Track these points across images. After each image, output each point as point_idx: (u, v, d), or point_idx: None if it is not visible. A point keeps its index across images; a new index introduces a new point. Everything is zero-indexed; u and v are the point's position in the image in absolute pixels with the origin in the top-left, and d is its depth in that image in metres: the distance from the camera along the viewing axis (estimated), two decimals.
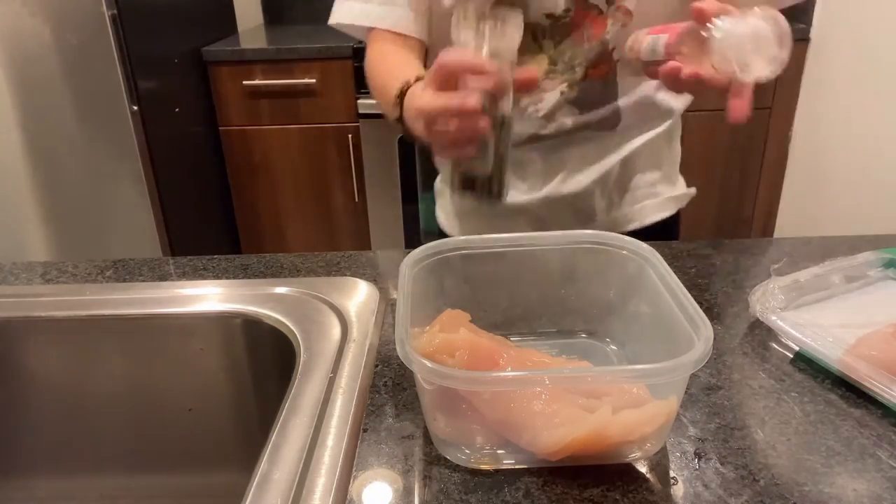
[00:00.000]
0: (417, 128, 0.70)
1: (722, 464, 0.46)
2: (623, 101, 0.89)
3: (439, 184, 1.06)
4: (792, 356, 0.56)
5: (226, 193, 2.16)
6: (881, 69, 1.63)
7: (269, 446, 0.47)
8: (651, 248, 0.55)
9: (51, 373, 0.69)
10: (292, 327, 0.61)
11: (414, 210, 2.06)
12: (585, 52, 0.84)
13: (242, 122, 2.04)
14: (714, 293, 0.66)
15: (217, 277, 0.72)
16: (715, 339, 0.43)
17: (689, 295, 0.48)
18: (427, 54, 0.95)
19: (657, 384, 0.46)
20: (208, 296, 0.68)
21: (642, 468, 0.46)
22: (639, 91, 0.90)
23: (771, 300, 0.59)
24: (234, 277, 0.71)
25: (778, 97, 2.00)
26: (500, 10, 0.65)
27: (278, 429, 0.49)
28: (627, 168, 0.93)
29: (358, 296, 0.66)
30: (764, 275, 0.63)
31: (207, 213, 2.11)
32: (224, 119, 2.05)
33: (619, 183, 0.93)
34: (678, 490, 0.44)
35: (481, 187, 0.61)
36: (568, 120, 0.88)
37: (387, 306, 0.65)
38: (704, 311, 0.47)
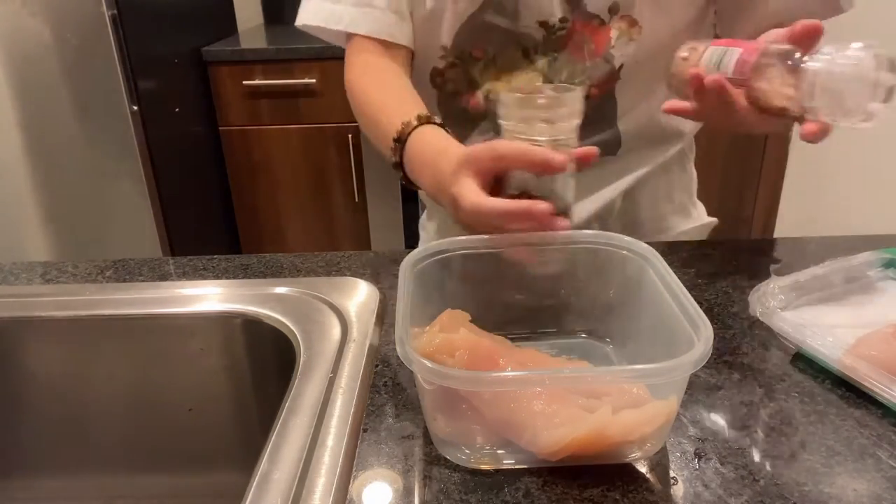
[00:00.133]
0: (425, 183, 0.64)
1: (722, 464, 0.46)
2: (623, 124, 0.80)
3: (425, 220, 0.98)
4: (792, 356, 0.56)
5: (226, 193, 2.16)
6: None
7: (269, 446, 0.47)
8: (651, 248, 0.55)
9: (51, 373, 0.69)
10: (292, 327, 0.61)
11: (414, 210, 2.06)
12: (587, 69, 0.76)
13: (242, 122, 2.04)
14: (714, 293, 0.66)
15: (217, 277, 0.72)
16: (715, 339, 0.43)
17: (689, 295, 0.48)
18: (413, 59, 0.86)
19: (657, 384, 0.46)
20: (208, 296, 0.68)
21: (642, 468, 0.46)
22: (640, 110, 0.80)
23: (771, 300, 0.59)
24: (234, 277, 0.71)
25: None
26: (554, 91, 0.58)
27: (278, 429, 0.49)
28: (631, 200, 0.84)
29: (358, 296, 0.66)
30: (764, 275, 0.63)
31: (207, 213, 2.11)
32: (224, 119, 2.05)
33: (621, 217, 0.84)
34: (678, 490, 0.44)
35: None
36: None
37: (387, 306, 0.65)
38: (704, 311, 0.47)
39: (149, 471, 0.72)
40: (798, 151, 2.06)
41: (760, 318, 0.58)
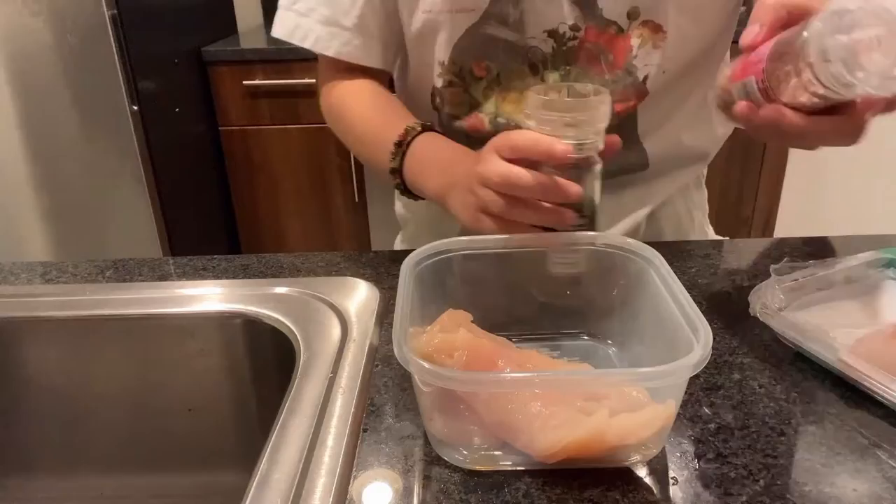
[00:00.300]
0: (432, 185, 0.63)
1: (722, 464, 0.46)
2: (650, 145, 0.75)
3: (401, 210, 0.92)
4: (792, 356, 0.56)
5: (226, 193, 2.16)
6: None
7: (269, 446, 0.47)
8: (653, 249, 0.55)
9: (51, 373, 0.69)
10: (292, 327, 0.61)
11: None
12: (608, 83, 0.70)
13: (242, 122, 2.04)
14: (714, 293, 0.66)
15: (217, 277, 0.72)
16: (715, 339, 0.43)
17: (689, 297, 0.48)
18: (404, 81, 0.81)
19: (656, 387, 0.46)
20: (208, 296, 0.68)
21: (642, 469, 0.46)
22: (666, 131, 0.75)
23: (771, 300, 0.59)
24: (234, 277, 0.71)
25: None
26: (582, 93, 0.56)
27: (278, 429, 0.49)
28: (655, 221, 0.81)
29: (358, 296, 0.66)
30: (764, 275, 0.63)
31: (207, 213, 2.11)
32: (224, 119, 2.05)
33: (645, 239, 0.77)
34: (678, 490, 0.44)
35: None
36: None
37: (387, 306, 0.65)
38: (704, 310, 0.47)
39: (149, 471, 0.72)
40: (798, 151, 2.06)
41: (760, 318, 0.58)
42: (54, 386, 0.70)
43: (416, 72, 0.78)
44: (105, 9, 1.58)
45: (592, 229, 0.59)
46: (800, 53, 0.45)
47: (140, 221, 1.79)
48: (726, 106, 0.54)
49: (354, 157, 2.03)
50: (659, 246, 0.56)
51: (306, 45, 0.75)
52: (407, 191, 0.69)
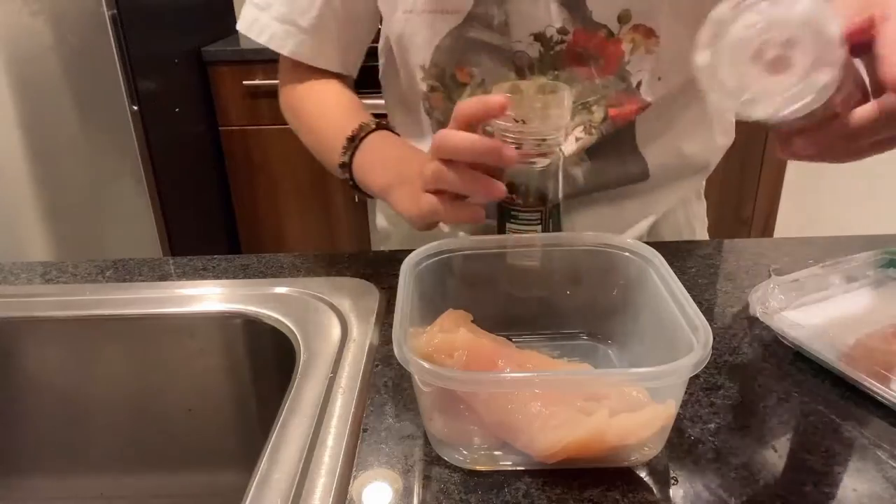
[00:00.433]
0: (379, 181, 0.62)
1: (722, 464, 0.46)
2: (650, 156, 0.73)
3: (383, 222, 0.91)
4: (792, 356, 0.56)
5: (226, 193, 2.16)
6: None
7: (269, 446, 0.47)
8: (653, 249, 0.55)
9: (50, 373, 0.69)
10: (292, 327, 0.61)
11: None
12: (599, 88, 0.67)
13: (242, 122, 2.04)
14: (714, 293, 0.66)
15: (217, 277, 0.72)
16: (715, 339, 0.43)
17: (689, 298, 0.48)
18: (394, 85, 0.79)
19: (656, 387, 0.46)
20: (208, 296, 0.68)
21: (642, 468, 0.46)
22: (666, 141, 0.73)
23: (771, 300, 0.59)
24: (234, 277, 0.71)
25: None
26: (542, 91, 0.56)
27: (278, 429, 0.49)
28: (656, 233, 0.79)
29: (358, 296, 0.66)
30: (764, 275, 0.63)
31: (207, 213, 2.11)
32: (224, 119, 2.05)
33: None
34: (678, 490, 0.44)
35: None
36: (578, 173, 0.72)
37: (387, 306, 0.65)
38: (704, 311, 0.47)
39: (149, 471, 0.72)
40: None
41: (760, 318, 0.58)
42: (54, 386, 0.70)
43: (404, 76, 0.76)
44: (105, 9, 1.58)
45: (558, 229, 0.60)
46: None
47: (140, 221, 1.79)
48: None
49: None
50: (659, 246, 0.56)
51: (262, 40, 0.74)
52: (356, 186, 0.69)
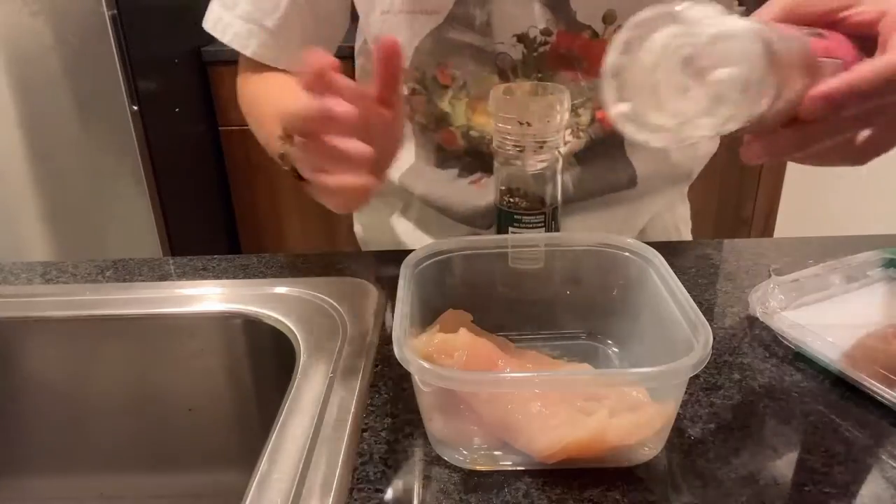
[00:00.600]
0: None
1: (722, 464, 0.46)
2: (637, 163, 0.72)
3: (360, 231, 0.89)
4: (792, 356, 0.56)
5: (226, 193, 2.16)
6: None
7: (269, 446, 0.47)
8: (653, 249, 0.55)
9: (50, 373, 0.69)
10: (292, 327, 0.61)
11: None
12: (585, 91, 0.66)
13: (242, 122, 2.03)
14: (714, 293, 0.66)
15: (217, 277, 0.72)
16: (715, 339, 0.43)
17: (689, 297, 0.48)
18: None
19: (656, 387, 0.46)
20: (208, 296, 0.68)
21: (642, 468, 0.46)
22: (651, 147, 0.74)
23: (771, 300, 0.59)
24: (234, 277, 0.71)
25: None
26: (542, 92, 0.55)
27: (278, 429, 0.49)
28: (644, 238, 0.75)
29: (358, 296, 0.66)
30: (764, 275, 0.63)
31: (207, 213, 2.11)
32: (224, 119, 2.05)
33: None
34: (678, 490, 0.44)
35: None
36: (567, 179, 0.70)
37: (387, 306, 0.65)
38: (704, 311, 0.47)
39: (149, 471, 0.72)
40: None
41: (760, 318, 0.58)
42: (54, 386, 0.70)
43: None
44: (105, 9, 1.58)
45: (557, 230, 0.60)
46: None
47: (140, 221, 1.79)
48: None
49: None
50: (659, 246, 0.56)
51: (225, 39, 0.71)
52: (298, 177, 0.60)
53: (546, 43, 0.63)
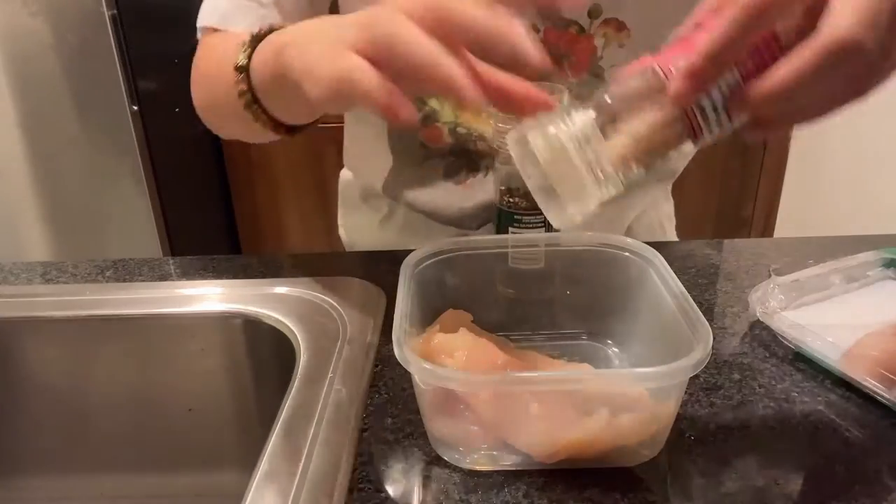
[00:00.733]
0: (286, 48, 0.44)
1: (722, 464, 0.46)
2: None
3: (345, 235, 0.87)
4: (792, 356, 0.56)
5: (226, 193, 2.15)
6: None
7: (269, 446, 0.47)
8: (653, 249, 0.55)
9: (50, 373, 0.69)
10: (292, 327, 0.61)
11: None
12: (573, 87, 0.65)
13: None
14: (714, 293, 0.66)
15: (217, 277, 0.72)
16: (715, 339, 0.43)
17: (689, 298, 0.48)
18: None
19: (656, 387, 0.46)
20: (208, 296, 0.68)
21: (642, 468, 0.46)
22: None
23: (771, 300, 0.59)
24: (234, 277, 0.71)
25: None
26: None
27: (278, 429, 0.49)
28: (630, 236, 0.79)
29: (358, 296, 0.66)
30: (764, 275, 0.63)
31: (207, 213, 2.11)
32: None
33: None
34: (678, 490, 0.44)
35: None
36: None
37: (387, 306, 0.65)
38: (704, 311, 0.47)
39: (149, 471, 0.72)
40: (798, 152, 2.06)
41: (760, 318, 0.58)
42: (54, 386, 0.70)
43: None
44: (105, 9, 1.58)
45: (556, 229, 0.59)
46: None
47: (140, 221, 1.79)
48: None
49: None
50: (659, 246, 0.56)
51: (211, 22, 0.64)
52: (256, 102, 0.51)
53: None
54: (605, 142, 0.38)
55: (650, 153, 0.39)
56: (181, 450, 0.71)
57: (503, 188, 0.60)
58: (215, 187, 2.12)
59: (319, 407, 0.51)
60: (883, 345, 0.53)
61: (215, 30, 0.65)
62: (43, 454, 0.72)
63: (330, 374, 0.55)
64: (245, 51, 0.50)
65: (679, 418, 0.49)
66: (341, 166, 0.94)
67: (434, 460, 0.47)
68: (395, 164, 0.76)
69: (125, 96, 1.66)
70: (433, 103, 0.70)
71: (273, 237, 2.21)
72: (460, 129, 0.71)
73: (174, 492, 0.72)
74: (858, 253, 0.64)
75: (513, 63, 0.38)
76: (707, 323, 0.44)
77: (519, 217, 0.59)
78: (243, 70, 0.50)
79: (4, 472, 0.71)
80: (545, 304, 0.60)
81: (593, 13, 0.61)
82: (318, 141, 2.04)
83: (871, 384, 0.50)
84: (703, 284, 0.67)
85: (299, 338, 0.60)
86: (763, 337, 0.59)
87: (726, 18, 0.36)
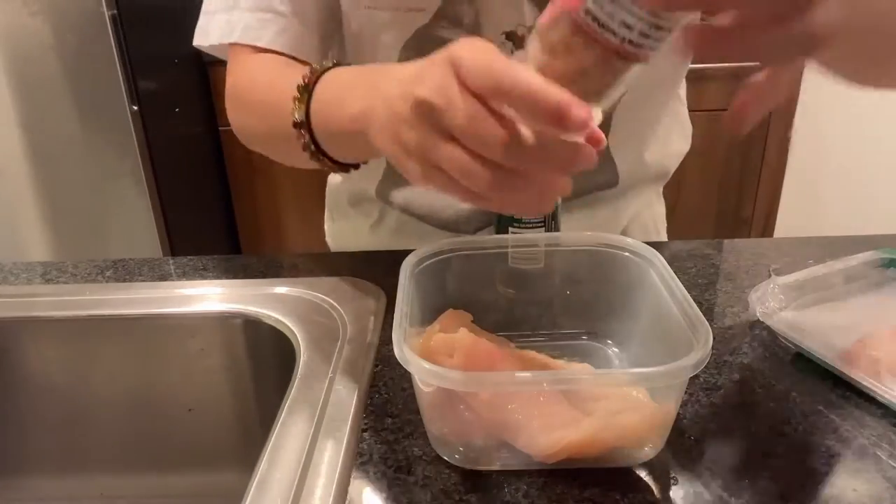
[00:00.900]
0: (348, 114, 0.46)
1: (722, 464, 0.46)
2: (618, 159, 0.71)
3: (331, 242, 0.85)
4: (792, 356, 0.56)
5: (226, 193, 2.15)
6: None
7: (269, 446, 0.47)
8: (653, 249, 0.55)
9: (50, 373, 0.69)
10: (292, 327, 0.61)
11: None
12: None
13: None
14: (714, 293, 0.66)
15: (217, 277, 0.72)
16: (715, 339, 0.43)
17: (689, 298, 0.48)
18: None
19: (656, 387, 0.46)
20: (208, 296, 0.68)
21: (642, 468, 0.46)
22: (631, 145, 0.72)
23: (771, 300, 0.59)
24: (234, 277, 0.71)
25: None
26: None
27: (278, 429, 0.49)
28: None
29: (358, 296, 0.66)
30: (764, 275, 0.63)
31: (207, 213, 2.11)
32: (224, 119, 2.04)
33: None
34: (678, 490, 0.44)
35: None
36: None
37: (387, 306, 0.65)
38: (704, 311, 0.47)
39: (149, 471, 0.72)
40: (798, 152, 2.06)
41: (760, 318, 0.58)
42: (54, 386, 0.70)
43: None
44: (105, 9, 1.58)
45: (558, 229, 0.60)
46: None
47: (140, 221, 1.79)
48: None
49: None
50: (659, 246, 0.56)
51: (234, 38, 0.63)
52: (320, 153, 0.54)
53: None
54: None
55: (589, 93, 0.37)
56: (181, 450, 0.71)
57: None
58: (215, 187, 2.12)
59: (319, 407, 0.51)
60: (883, 345, 0.53)
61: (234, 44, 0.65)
62: (43, 454, 0.72)
63: (330, 374, 0.55)
64: (299, 107, 0.52)
65: (679, 418, 0.49)
66: None
67: (434, 460, 0.47)
68: (389, 165, 0.76)
69: (125, 96, 1.66)
70: None
71: (273, 237, 2.21)
72: None
73: (174, 492, 0.72)
74: (858, 253, 0.64)
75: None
76: (707, 323, 0.44)
77: (519, 217, 0.59)
78: (302, 125, 0.52)
79: (4, 472, 0.71)
80: (545, 304, 0.60)
81: None
82: None
83: (871, 384, 0.50)
84: (703, 284, 0.67)
85: (299, 338, 0.60)
86: (763, 337, 0.59)
87: None
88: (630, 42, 0.36)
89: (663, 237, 0.89)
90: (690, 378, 0.43)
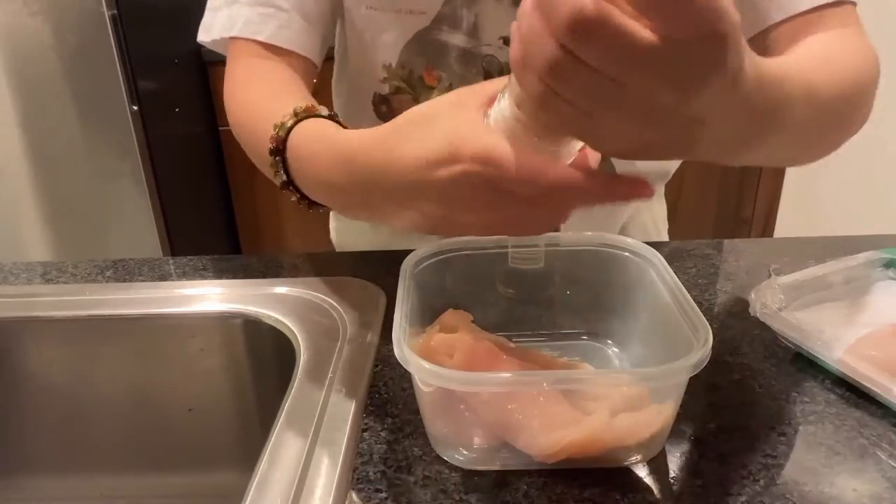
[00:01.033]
0: (342, 202, 0.49)
1: (722, 464, 0.46)
2: (619, 163, 0.68)
3: (335, 237, 0.86)
4: (792, 356, 0.56)
5: (226, 193, 2.15)
6: (881, 69, 1.63)
7: (269, 446, 0.47)
8: (653, 249, 0.55)
9: (50, 373, 0.69)
10: (292, 327, 0.61)
11: None
12: None
13: None
14: (714, 293, 0.66)
15: (217, 277, 0.72)
16: (715, 339, 0.43)
17: (689, 297, 0.48)
18: (343, 84, 0.74)
19: (656, 387, 0.46)
20: (208, 296, 0.68)
21: (642, 468, 0.46)
22: None
23: (771, 300, 0.59)
24: (234, 277, 0.71)
25: None
26: None
27: (278, 429, 0.49)
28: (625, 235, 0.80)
29: (358, 296, 0.66)
30: (764, 275, 0.63)
31: (207, 213, 2.11)
32: (224, 119, 2.04)
33: None
34: (678, 490, 0.44)
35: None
36: None
37: (387, 306, 0.65)
38: (704, 311, 0.47)
39: (149, 471, 0.72)
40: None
41: (760, 318, 0.58)
42: (54, 386, 0.70)
43: (356, 74, 0.72)
44: (105, 9, 1.58)
45: (556, 229, 0.59)
46: None
47: (140, 221, 1.79)
48: None
49: None
50: (659, 246, 0.56)
51: (234, 32, 0.64)
52: (313, 203, 0.57)
53: None
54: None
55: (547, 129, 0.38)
56: (181, 450, 0.71)
57: None
58: (215, 187, 2.12)
59: (319, 407, 0.51)
60: (883, 345, 0.53)
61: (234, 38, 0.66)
62: (43, 454, 0.72)
63: (330, 374, 0.55)
64: (277, 173, 0.55)
65: (679, 418, 0.49)
66: None
67: (434, 460, 0.47)
68: None
69: (125, 96, 1.66)
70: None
71: (273, 237, 2.21)
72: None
73: (174, 492, 0.72)
74: (858, 253, 0.64)
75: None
76: (707, 323, 0.44)
77: None
78: (288, 185, 0.55)
79: (4, 472, 0.71)
80: (545, 304, 0.60)
81: None
82: None
83: (871, 384, 0.50)
84: (703, 284, 0.67)
85: (299, 338, 0.60)
86: (763, 337, 0.59)
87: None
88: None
89: (664, 237, 0.89)
90: (690, 378, 0.43)
